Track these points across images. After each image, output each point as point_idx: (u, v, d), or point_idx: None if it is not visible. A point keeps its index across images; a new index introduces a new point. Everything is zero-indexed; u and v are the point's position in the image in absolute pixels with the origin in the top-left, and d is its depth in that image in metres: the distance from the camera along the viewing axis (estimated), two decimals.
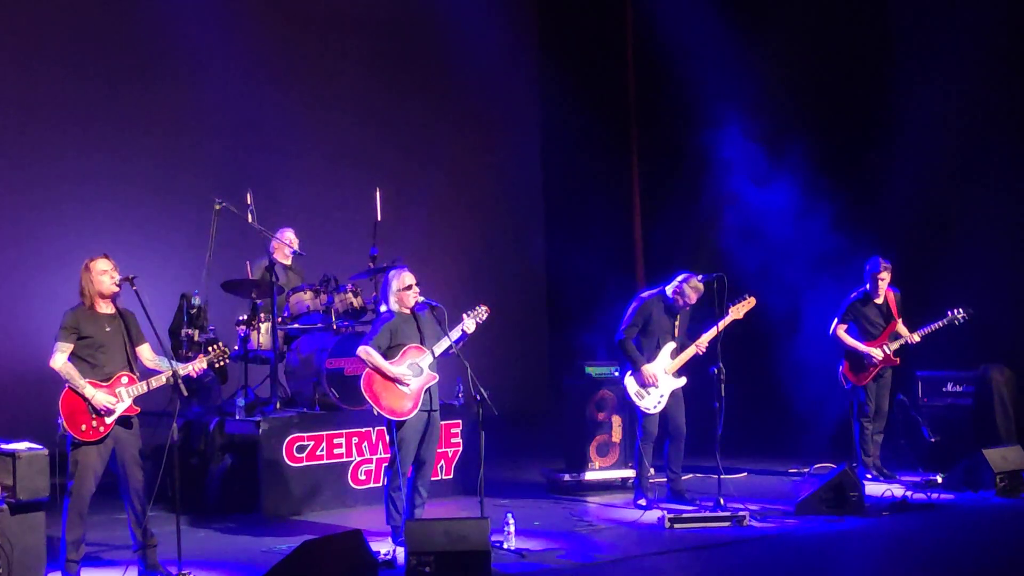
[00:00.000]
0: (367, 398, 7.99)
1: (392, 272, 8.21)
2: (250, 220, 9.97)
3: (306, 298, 10.24)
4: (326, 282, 10.14)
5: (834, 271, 11.11)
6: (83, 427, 7.07)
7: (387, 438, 8.26)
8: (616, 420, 10.18)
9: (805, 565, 7.71)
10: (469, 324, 8.10)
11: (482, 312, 8.13)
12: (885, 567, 7.81)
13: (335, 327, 10.00)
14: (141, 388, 7.22)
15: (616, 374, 9.91)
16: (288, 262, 10.72)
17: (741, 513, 8.56)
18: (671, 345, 9.31)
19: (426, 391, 8.04)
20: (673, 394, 9.32)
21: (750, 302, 9.30)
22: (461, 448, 10.14)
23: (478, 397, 7.71)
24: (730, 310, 9.20)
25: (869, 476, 10.09)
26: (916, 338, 10.18)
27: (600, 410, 10.18)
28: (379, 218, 10.43)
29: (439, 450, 8.92)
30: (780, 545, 8.09)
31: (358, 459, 9.76)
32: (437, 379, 8.12)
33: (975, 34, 11.46)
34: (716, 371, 8.97)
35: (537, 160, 15.51)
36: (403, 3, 14.09)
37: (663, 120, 13.92)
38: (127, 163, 12.16)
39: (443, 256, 13.78)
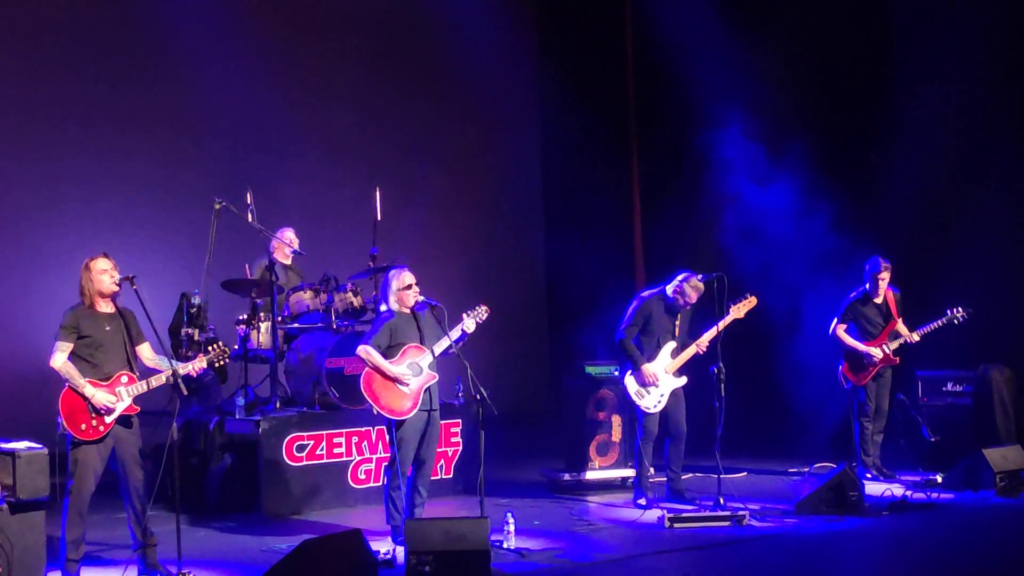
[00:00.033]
0: (366, 397, 7.99)
1: (392, 272, 8.22)
2: (250, 220, 9.97)
3: (306, 297, 10.24)
4: (326, 281, 10.14)
5: (834, 271, 11.11)
6: (83, 426, 7.07)
7: (387, 437, 8.27)
8: (616, 420, 10.18)
9: (805, 565, 7.70)
10: (469, 324, 8.10)
11: (482, 312, 8.13)
12: (885, 567, 7.81)
13: (335, 326, 10.00)
14: (141, 387, 7.23)
15: (616, 374, 9.91)
16: (288, 261, 10.72)
17: (741, 513, 8.56)
18: (671, 344, 9.31)
19: (426, 390, 8.04)
20: (674, 393, 9.31)
21: (751, 301, 9.30)
22: (461, 447, 10.14)
23: (478, 396, 7.71)
24: (731, 309, 9.20)
25: (869, 476, 10.09)
26: (915, 337, 10.18)
27: (600, 410, 10.18)
28: (379, 218, 10.43)
29: (439, 449, 8.92)
30: (780, 545, 8.09)
31: (358, 458, 9.76)
32: (437, 379, 8.12)
33: (975, 34, 11.46)
34: (716, 371, 8.97)
35: (537, 160, 15.51)
36: (403, 3, 14.09)
37: (663, 120, 13.92)
38: (127, 162, 12.16)
39: (443, 256, 13.78)
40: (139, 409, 7.25)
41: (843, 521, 8.55)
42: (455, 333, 8.09)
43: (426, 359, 8.06)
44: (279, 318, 10.10)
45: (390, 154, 13.67)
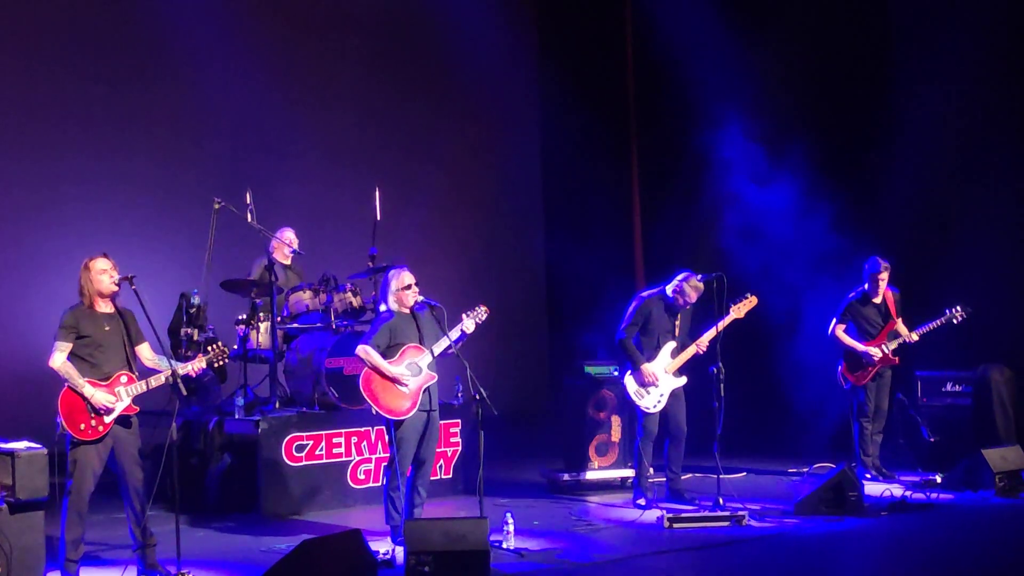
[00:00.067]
0: (365, 397, 8.00)
1: (392, 272, 8.22)
2: (249, 220, 9.97)
3: (305, 297, 10.24)
4: (325, 281, 10.14)
5: (834, 271, 11.11)
6: (82, 426, 7.07)
7: (386, 437, 8.26)
8: (615, 420, 10.17)
9: (804, 565, 7.70)
10: (468, 324, 8.10)
11: (481, 313, 8.13)
12: (884, 567, 7.81)
13: (334, 326, 10.00)
14: (140, 387, 7.23)
15: (615, 374, 9.90)
16: (287, 261, 10.73)
17: (740, 513, 8.56)
18: (671, 344, 9.31)
19: (425, 391, 8.04)
20: (674, 393, 9.31)
21: (752, 301, 9.30)
22: (460, 448, 10.14)
23: (477, 397, 7.70)
24: (731, 309, 9.20)
25: (868, 476, 10.08)
26: (914, 337, 10.17)
27: (599, 410, 10.18)
28: (379, 218, 10.43)
29: (438, 450, 8.93)
30: (779, 545, 8.09)
31: (357, 459, 9.76)
32: (436, 379, 8.12)
33: (975, 34, 11.45)
34: (715, 371, 8.97)
35: (537, 160, 15.51)
36: (403, 3, 14.09)
37: (663, 120, 13.91)
38: (127, 163, 12.16)
39: (443, 256, 13.78)
40: (138, 409, 7.25)
41: (842, 521, 8.54)
42: (454, 333, 8.08)
43: (425, 359, 8.06)
44: (278, 318, 10.10)
45: (390, 154, 13.67)
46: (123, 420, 7.20)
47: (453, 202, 14.45)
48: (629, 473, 9.90)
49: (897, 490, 9.46)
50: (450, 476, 10.09)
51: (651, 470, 9.38)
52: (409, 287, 8.09)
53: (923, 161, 11.61)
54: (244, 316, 10.16)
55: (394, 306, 8.12)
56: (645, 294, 9.49)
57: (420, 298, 8.11)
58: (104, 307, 7.26)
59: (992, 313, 10.66)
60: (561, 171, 15.11)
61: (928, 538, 8.30)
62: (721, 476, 8.99)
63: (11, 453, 6.99)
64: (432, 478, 8.57)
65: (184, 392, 7.26)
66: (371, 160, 13.33)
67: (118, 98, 12.18)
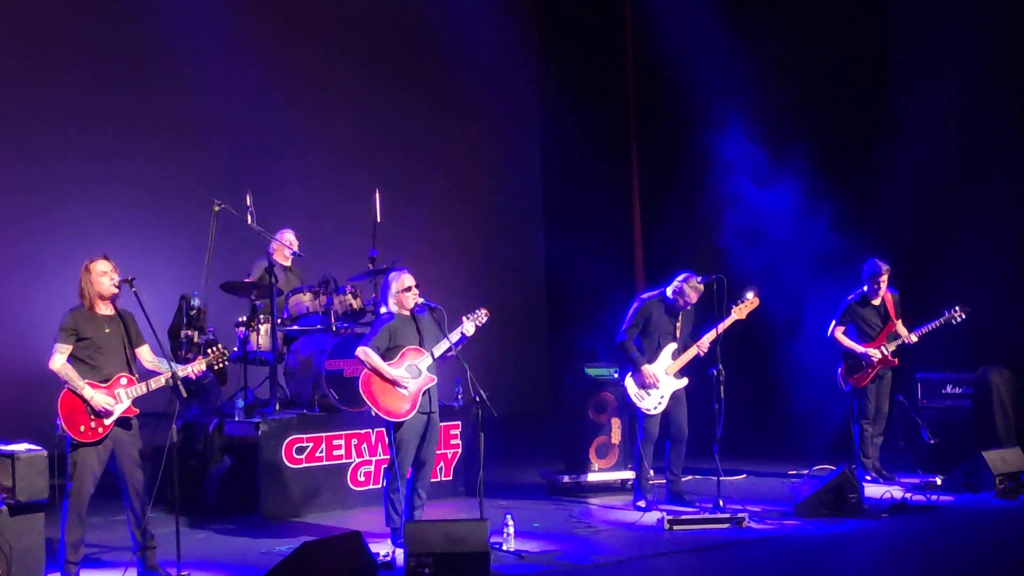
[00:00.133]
0: (365, 399, 8.00)
1: (392, 274, 8.22)
2: (250, 221, 9.96)
3: (305, 299, 10.23)
4: (325, 283, 10.13)
5: (835, 272, 11.10)
6: (82, 428, 7.07)
7: (386, 440, 8.26)
8: (615, 422, 10.17)
9: (804, 567, 7.70)
10: (468, 327, 8.10)
11: (482, 315, 8.13)
12: (885, 569, 7.80)
13: (334, 328, 10.00)
14: (140, 389, 7.23)
15: (616, 375, 9.90)
16: (287, 263, 10.72)
17: (740, 515, 8.55)
18: (672, 346, 9.30)
19: (425, 393, 8.04)
20: (674, 395, 9.30)
21: (753, 302, 9.29)
22: (460, 450, 10.14)
23: (477, 399, 7.70)
24: (732, 310, 9.19)
25: (868, 478, 10.08)
26: (913, 338, 10.16)
27: (600, 412, 10.18)
28: (379, 219, 10.42)
29: (438, 452, 8.92)
30: (779, 547, 8.09)
31: (357, 461, 9.75)
32: (435, 381, 8.12)
33: (975, 34, 11.45)
34: (716, 372, 8.96)
35: (537, 160, 15.51)
36: (403, 3, 14.09)
37: (663, 120, 13.91)
38: (127, 164, 12.15)
39: (443, 257, 13.78)
40: (138, 411, 7.25)
41: (843, 523, 8.54)
42: (454, 336, 8.08)
43: (425, 361, 8.05)
44: (279, 320, 10.09)
45: (390, 154, 13.67)
46: (123, 422, 7.20)
47: (453, 202, 14.45)
48: (629, 475, 9.90)
49: (897, 492, 9.46)
50: (450, 478, 10.09)
51: (651, 472, 9.37)
52: (409, 289, 8.09)
53: (923, 161, 11.61)
54: (244, 318, 10.15)
55: (394, 308, 8.12)
56: (646, 296, 9.49)
57: (420, 300, 8.12)
58: (104, 309, 7.26)
59: (992, 314, 10.66)
60: (561, 171, 15.11)
61: (928, 540, 8.30)
62: (721, 478, 8.99)
63: (11, 455, 7.00)
64: (432, 480, 8.57)
65: (184, 394, 7.26)
66: (371, 160, 13.33)
67: (118, 99, 12.18)
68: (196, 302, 9.96)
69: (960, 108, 11.68)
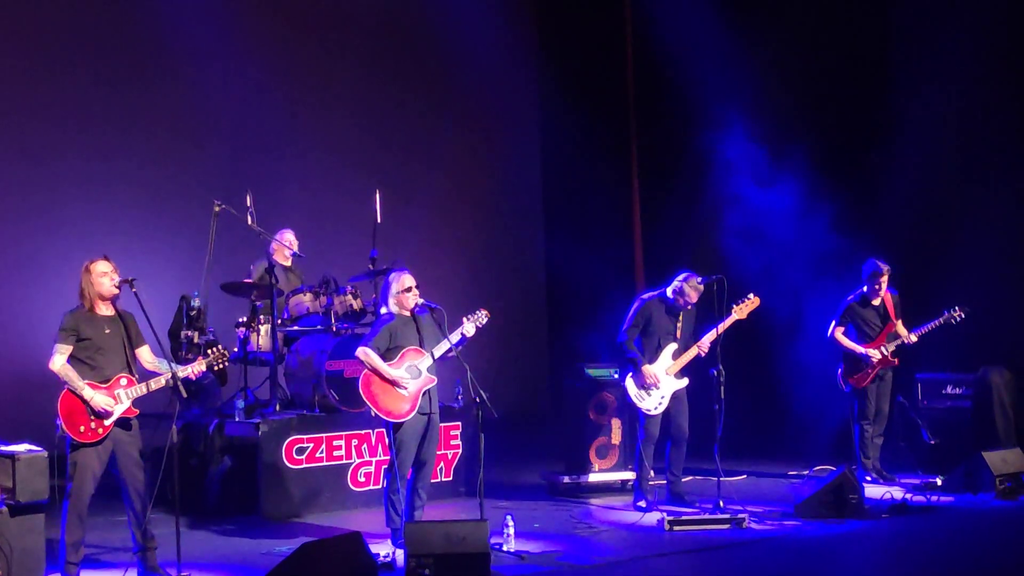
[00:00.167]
0: (365, 400, 8.00)
1: (392, 274, 8.22)
2: (250, 222, 9.96)
3: (306, 300, 10.23)
4: (326, 284, 10.13)
5: (835, 272, 11.10)
6: (81, 428, 7.07)
7: (386, 440, 8.26)
8: (616, 422, 10.16)
9: (805, 567, 7.70)
10: (469, 328, 8.10)
11: (482, 316, 8.13)
12: (885, 570, 7.80)
13: (334, 329, 9.99)
14: (140, 390, 7.22)
15: (616, 376, 9.89)
16: (288, 264, 10.72)
17: (741, 515, 8.55)
18: (672, 346, 9.29)
19: (425, 393, 8.04)
20: (675, 396, 9.30)
21: (754, 302, 9.29)
22: (461, 450, 10.13)
23: (477, 399, 7.70)
24: (733, 310, 9.19)
25: (869, 478, 10.07)
26: (913, 338, 10.16)
27: (600, 412, 10.17)
28: (379, 220, 10.41)
29: (439, 452, 8.91)
30: (780, 547, 8.09)
31: (357, 461, 9.75)
32: (435, 382, 8.11)
33: (975, 34, 11.45)
34: (716, 373, 8.96)
35: (537, 160, 15.50)
36: (403, 3, 14.09)
37: (663, 120, 13.91)
38: (127, 164, 12.15)
39: (443, 257, 13.78)
40: (138, 412, 7.25)
41: (843, 524, 8.54)
42: (455, 337, 8.08)
43: (425, 362, 8.05)
44: (279, 320, 10.09)
45: (390, 155, 13.66)
46: (123, 422, 7.20)
47: (453, 203, 14.44)
48: (629, 476, 9.89)
49: (897, 492, 9.46)
50: (450, 478, 10.08)
51: (652, 473, 9.37)
52: (410, 289, 8.08)
53: (923, 161, 11.61)
54: (244, 319, 10.15)
55: (394, 308, 8.12)
56: (646, 296, 9.49)
57: (420, 301, 8.11)
58: (104, 310, 7.26)
59: (992, 314, 10.66)
60: (561, 171, 15.10)
61: (929, 541, 8.30)
62: (721, 478, 9.00)
63: (12, 456, 7.00)
64: (432, 480, 8.57)
65: (184, 395, 7.26)
66: (371, 160, 13.32)
67: (118, 99, 12.17)
68: (196, 302, 9.96)
69: (960, 108, 11.69)
